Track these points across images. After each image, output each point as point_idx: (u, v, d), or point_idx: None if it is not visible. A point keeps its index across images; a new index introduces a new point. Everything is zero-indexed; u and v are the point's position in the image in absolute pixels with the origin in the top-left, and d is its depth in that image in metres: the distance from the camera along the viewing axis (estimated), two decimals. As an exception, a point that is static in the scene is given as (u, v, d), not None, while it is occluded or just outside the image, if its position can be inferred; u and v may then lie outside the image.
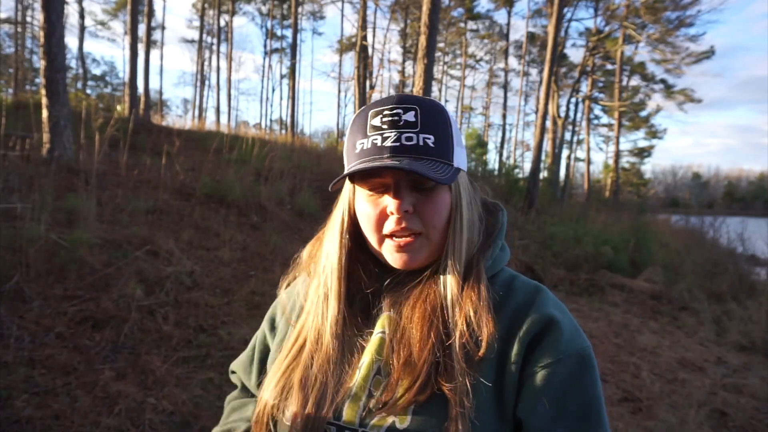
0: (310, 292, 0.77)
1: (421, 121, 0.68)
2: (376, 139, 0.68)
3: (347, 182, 0.75)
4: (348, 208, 0.75)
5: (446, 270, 0.68)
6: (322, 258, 0.77)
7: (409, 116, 0.68)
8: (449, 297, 0.67)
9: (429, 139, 0.67)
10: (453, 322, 0.65)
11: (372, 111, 0.70)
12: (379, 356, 0.68)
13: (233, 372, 0.92)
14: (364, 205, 0.71)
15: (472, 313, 0.65)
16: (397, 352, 0.66)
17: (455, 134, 0.71)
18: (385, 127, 0.68)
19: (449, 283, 0.67)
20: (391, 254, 0.69)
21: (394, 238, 0.68)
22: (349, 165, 0.71)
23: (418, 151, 0.66)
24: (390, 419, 0.62)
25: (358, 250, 0.75)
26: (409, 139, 0.67)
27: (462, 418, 0.60)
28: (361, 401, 0.65)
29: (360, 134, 0.70)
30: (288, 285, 0.86)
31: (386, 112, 0.68)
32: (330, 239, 0.76)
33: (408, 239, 0.68)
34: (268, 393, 0.73)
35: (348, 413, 0.65)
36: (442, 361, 0.63)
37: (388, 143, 0.67)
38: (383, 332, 0.69)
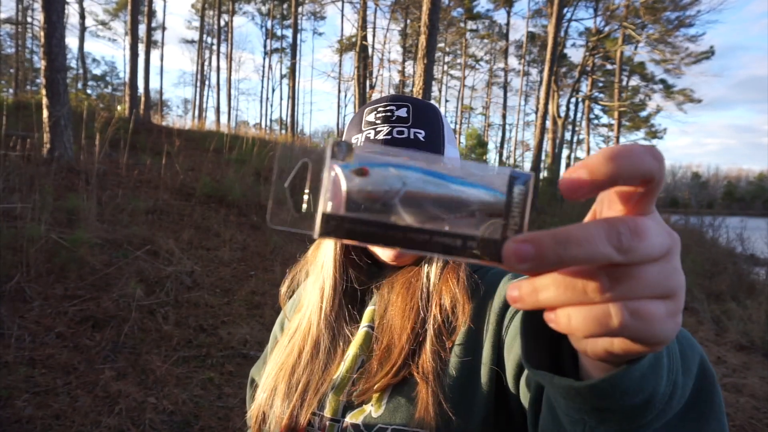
0: (308, 286, 0.81)
1: (413, 116, 0.70)
2: (369, 133, 0.70)
3: None
4: None
5: (430, 260, 0.71)
6: (320, 256, 0.80)
7: (402, 112, 0.70)
8: (429, 285, 0.69)
9: (420, 133, 0.69)
10: (429, 309, 0.67)
11: (367, 108, 0.73)
12: (363, 350, 0.70)
13: (252, 380, 0.89)
14: None
15: (447, 301, 0.67)
16: (380, 341, 0.68)
17: (447, 133, 0.73)
18: (378, 122, 0.70)
19: (431, 272, 0.70)
20: (383, 250, 0.71)
21: None
22: None
23: (409, 144, 0.68)
24: (367, 409, 0.64)
25: (352, 249, 0.78)
26: (400, 132, 0.69)
27: (432, 401, 0.60)
28: (343, 392, 0.67)
29: (355, 130, 0.73)
30: (289, 285, 0.88)
31: (380, 109, 0.71)
32: (327, 242, 0.79)
33: None
34: (261, 389, 0.75)
35: (330, 404, 0.67)
36: (417, 347, 0.65)
37: (380, 137, 0.69)
38: (368, 326, 0.72)
